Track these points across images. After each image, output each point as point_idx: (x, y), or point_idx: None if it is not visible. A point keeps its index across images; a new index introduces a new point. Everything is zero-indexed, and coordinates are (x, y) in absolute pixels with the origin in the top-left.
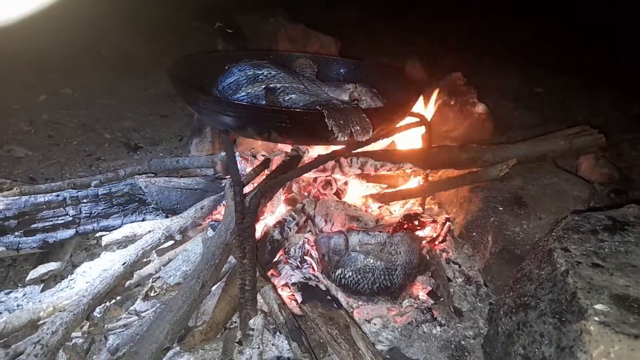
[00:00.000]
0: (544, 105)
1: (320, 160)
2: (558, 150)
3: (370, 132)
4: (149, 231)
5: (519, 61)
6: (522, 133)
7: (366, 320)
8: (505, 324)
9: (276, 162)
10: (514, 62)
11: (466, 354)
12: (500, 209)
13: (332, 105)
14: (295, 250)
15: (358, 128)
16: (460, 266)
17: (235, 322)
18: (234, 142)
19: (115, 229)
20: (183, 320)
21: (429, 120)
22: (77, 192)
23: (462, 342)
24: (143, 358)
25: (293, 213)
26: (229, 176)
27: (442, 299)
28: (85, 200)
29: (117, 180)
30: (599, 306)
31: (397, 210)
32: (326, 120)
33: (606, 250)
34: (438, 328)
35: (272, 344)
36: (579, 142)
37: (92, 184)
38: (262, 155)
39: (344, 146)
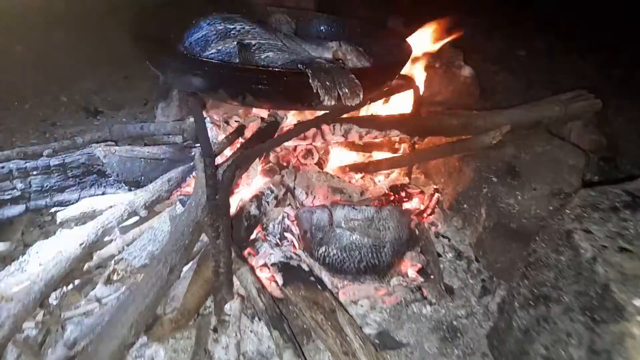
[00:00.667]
0: (528, 69)
1: (301, 128)
2: (553, 116)
3: (361, 95)
4: (110, 206)
5: (503, 25)
6: (507, 97)
7: (352, 301)
8: (522, 319)
9: (252, 129)
10: (497, 26)
11: (459, 335)
12: (494, 179)
13: (317, 65)
14: (274, 226)
15: (346, 91)
16: (449, 240)
17: (210, 307)
18: (203, 106)
19: (71, 204)
20: (149, 311)
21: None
22: (26, 163)
23: (454, 323)
24: (102, 357)
25: (271, 185)
26: (199, 144)
27: (432, 277)
28: (35, 173)
29: (74, 149)
30: (638, 302)
31: (381, 181)
32: (310, 81)
33: (631, 231)
34: (428, 307)
35: (251, 331)
36: (574, 107)
37: (44, 153)
38: (236, 121)
39: (327, 111)
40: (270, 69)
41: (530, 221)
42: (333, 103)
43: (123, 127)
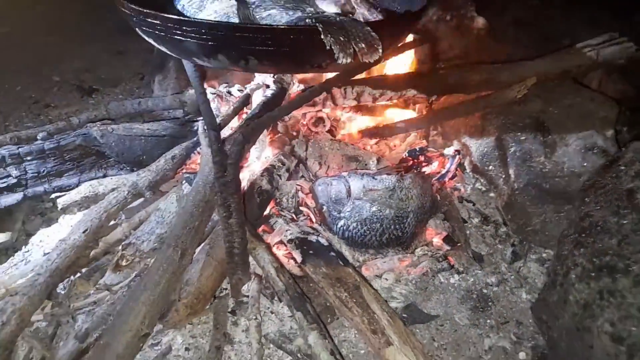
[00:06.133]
0: (543, 20)
1: (311, 93)
2: (583, 65)
3: (380, 50)
4: (112, 189)
5: None
6: (523, 51)
7: (376, 275)
8: (581, 292)
9: (257, 97)
10: None
11: (490, 303)
12: (522, 137)
13: (327, 19)
14: (288, 200)
15: (363, 46)
16: (474, 204)
17: (226, 289)
18: (203, 76)
19: (71, 189)
20: (162, 298)
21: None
22: (18, 148)
23: (485, 291)
24: (116, 350)
25: (282, 157)
26: (201, 117)
27: (458, 244)
28: (29, 158)
29: (70, 130)
30: None
31: (397, 145)
32: (322, 37)
33: None
34: (456, 276)
35: (272, 312)
36: (607, 53)
37: (38, 137)
38: (239, 90)
39: (337, 73)
40: (276, 27)
41: (564, 179)
42: (349, 60)
43: (120, 104)
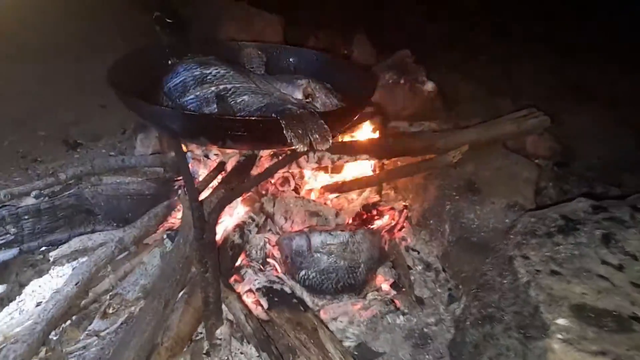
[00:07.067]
0: (488, 76)
1: (279, 165)
2: (508, 134)
3: (330, 141)
4: (101, 244)
5: (464, 30)
6: (471, 106)
7: (332, 318)
8: (472, 335)
9: (231, 162)
10: (460, 32)
11: (429, 341)
12: (456, 197)
13: (289, 113)
14: (256, 252)
15: (317, 137)
16: (419, 253)
17: (201, 333)
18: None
19: (62, 243)
20: (148, 344)
21: (381, 109)
22: (17, 208)
23: (425, 330)
24: None
25: (252, 214)
26: (181, 178)
27: (403, 289)
28: (26, 217)
29: (58, 185)
30: (560, 321)
31: (355, 198)
32: (284, 131)
33: (562, 254)
34: (401, 317)
35: (241, 353)
36: (526, 124)
37: (31, 195)
38: (215, 154)
39: None
40: (247, 118)
41: (489, 234)
42: (305, 149)
43: (105, 160)
